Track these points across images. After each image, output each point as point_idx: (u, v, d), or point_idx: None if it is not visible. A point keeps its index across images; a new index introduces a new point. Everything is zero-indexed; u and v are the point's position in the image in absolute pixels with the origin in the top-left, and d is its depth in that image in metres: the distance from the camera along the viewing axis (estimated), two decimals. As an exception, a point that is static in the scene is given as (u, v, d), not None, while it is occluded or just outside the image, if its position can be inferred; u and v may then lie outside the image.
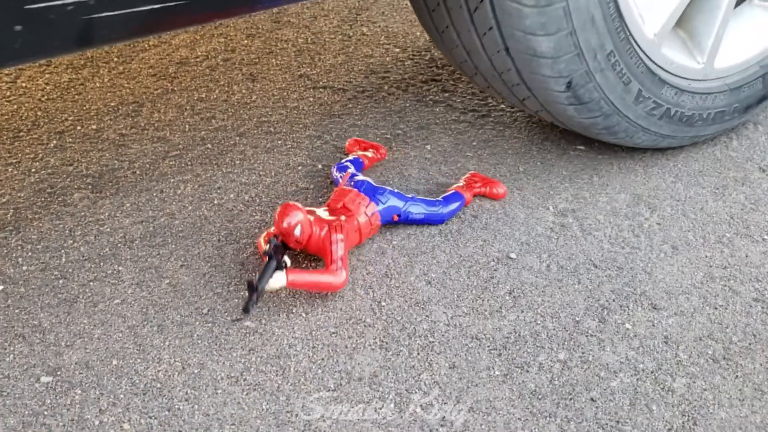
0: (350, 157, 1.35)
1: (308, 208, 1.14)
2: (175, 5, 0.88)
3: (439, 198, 1.26)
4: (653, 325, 1.07)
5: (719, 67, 1.38)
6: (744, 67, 1.41)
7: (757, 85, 1.43)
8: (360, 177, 1.24)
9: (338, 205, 1.17)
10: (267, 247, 1.10)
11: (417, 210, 1.23)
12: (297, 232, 1.09)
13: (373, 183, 1.23)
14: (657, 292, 1.13)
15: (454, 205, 1.26)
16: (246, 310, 1.02)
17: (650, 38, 1.26)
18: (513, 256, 1.19)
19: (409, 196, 1.24)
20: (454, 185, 1.31)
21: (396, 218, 1.22)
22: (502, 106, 1.64)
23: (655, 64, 1.29)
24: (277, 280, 1.05)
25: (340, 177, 1.29)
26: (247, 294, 1.05)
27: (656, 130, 1.35)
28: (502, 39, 1.18)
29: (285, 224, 1.09)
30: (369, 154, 1.39)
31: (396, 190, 1.23)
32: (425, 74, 1.78)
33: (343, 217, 1.15)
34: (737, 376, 1.00)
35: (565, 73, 1.20)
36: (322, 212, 1.15)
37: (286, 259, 1.10)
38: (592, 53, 1.19)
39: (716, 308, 1.10)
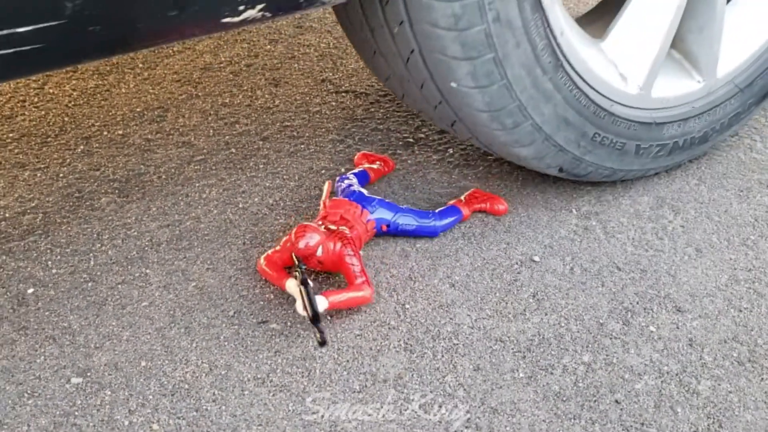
0: (356, 170, 1.35)
1: (309, 223, 1.12)
2: (30, 49, 0.80)
3: (435, 211, 1.26)
4: (677, 328, 1.07)
5: (724, 73, 1.33)
6: (752, 60, 1.35)
7: (755, 87, 1.38)
8: (353, 188, 1.24)
9: (336, 218, 1.16)
10: (297, 275, 1.06)
11: (407, 221, 1.22)
12: (319, 252, 1.09)
13: (365, 193, 1.22)
14: (681, 295, 1.13)
15: (449, 219, 1.25)
16: (324, 342, 1.00)
17: (636, 94, 1.23)
18: (536, 258, 1.20)
19: (403, 207, 1.24)
20: (453, 200, 1.31)
21: (385, 228, 1.21)
22: (524, 109, 1.65)
23: (648, 111, 1.26)
24: (320, 303, 1.04)
25: (339, 186, 1.28)
26: (314, 327, 1.02)
27: (669, 163, 1.35)
28: (483, 144, 1.22)
29: (303, 245, 1.07)
30: (375, 166, 1.38)
31: (387, 201, 1.23)
32: (447, 78, 1.79)
33: (344, 228, 1.14)
34: (763, 378, 1.00)
35: (554, 164, 1.22)
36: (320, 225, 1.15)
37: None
38: (575, 144, 1.20)
39: (741, 311, 1.10)
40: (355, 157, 1.44)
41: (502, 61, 1.06)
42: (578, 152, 1.21)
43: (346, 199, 1.19)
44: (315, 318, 1.01)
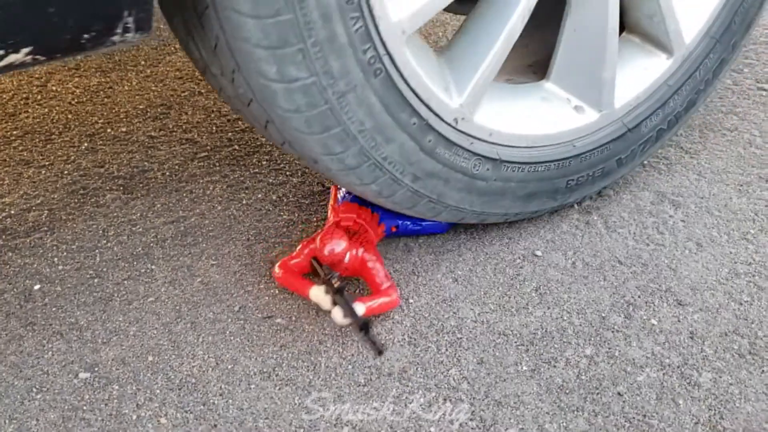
0: None
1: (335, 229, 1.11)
2: None
3: None
4: (679, 321, 1.08)
5: (692, 36, 1.22)
6: (721, 7, 1.23)
7: (734, 27, 1.27)
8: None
9: (350, 222, 1.15)
10: (333, 282, 1.04)
11: (415, 221, 1.22)
12: (347, 258, 1.07)
13: None
14: (682, 288, 1.14)
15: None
16: (381, 351, 1.00)
17: (598, 117, 1.18)
18: (538, 253, 1.21)
19: None
20: None
21: (394, 229, 1.22)
22: (525, 105, 1.65)
23: (618, 121, 1.22)
24: (358, 310, 1.03)
25: (348, 193, 1.25)
26: (365, 336, 1.01)
27: (660, 147, 1.35)
28: None
29: (328, 251, 1.05)
30: None
31: None
32: (448, 74, 1.80)
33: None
34: (763, 370, 1.01)
35: (541, 214, 1.26)
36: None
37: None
38: (552, 200, 1.22)
39: (741, 304, 1.11)
40: None
41: (440, 199, 1.09)
42: (558, 203, 1.23)
43: (355, 203, 1.19)
44: (365, 328, 1.00)
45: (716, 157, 1.44)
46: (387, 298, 1.07)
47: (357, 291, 1.14)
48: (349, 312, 1.01)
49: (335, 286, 1.03)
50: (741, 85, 1.70)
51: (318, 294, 1.06)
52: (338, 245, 1.06)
